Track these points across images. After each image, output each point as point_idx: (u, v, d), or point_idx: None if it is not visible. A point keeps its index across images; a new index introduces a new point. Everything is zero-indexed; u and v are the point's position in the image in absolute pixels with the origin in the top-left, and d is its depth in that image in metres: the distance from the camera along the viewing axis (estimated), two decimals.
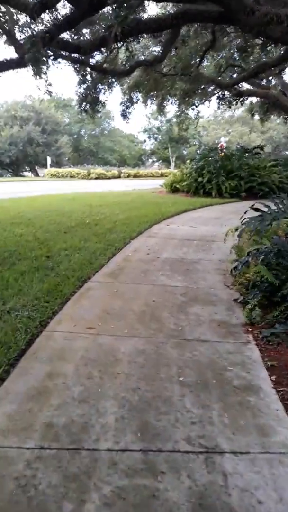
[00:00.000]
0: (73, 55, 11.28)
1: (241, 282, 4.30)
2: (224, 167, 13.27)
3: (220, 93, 20.33)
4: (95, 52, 12.14)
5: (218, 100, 21.06)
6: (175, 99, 18.76)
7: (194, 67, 13.77)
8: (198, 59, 14.00)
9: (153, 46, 16.42)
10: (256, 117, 25.67)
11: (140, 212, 9.16)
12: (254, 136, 50.72)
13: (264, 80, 21.18)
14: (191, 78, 13.72)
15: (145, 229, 7.41)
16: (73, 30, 9.30)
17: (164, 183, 15.39)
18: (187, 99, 18.28)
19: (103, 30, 8.16)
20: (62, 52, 10.73)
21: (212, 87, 17.75)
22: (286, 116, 24.75)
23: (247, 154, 15.21)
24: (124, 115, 15.88)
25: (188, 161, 15.95)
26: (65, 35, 9.42)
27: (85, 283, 4.40)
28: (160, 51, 12.53)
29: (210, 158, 13.90)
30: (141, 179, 35.12)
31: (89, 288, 4.25)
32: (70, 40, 8.90)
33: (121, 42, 8.65)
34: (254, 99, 22.86)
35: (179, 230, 7.46)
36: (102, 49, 9.44)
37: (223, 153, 14.92)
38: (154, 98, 19.97)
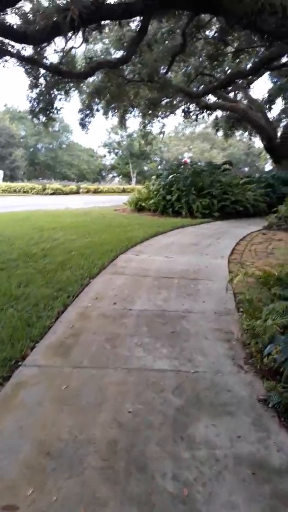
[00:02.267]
0: (22, 52, 9.68)
1: (266, 365, 2.77)
2: (194, 184, 11.95)
3: (185, 106, 19.38)
4: (49, 51, 10.62)
5: (183, 113, 20.10)
6: (139, 110, 17.50)
7: (161, 73, 12.51)
8: (165, 66, 12.76)
9: (115, 51, 15.14)
10: (220, 133, 25.01)
11: (102, 238, 7.53)
12: (215, 153, 50.72)
13: (231, 94, 20.48)
14: (158, 85, 12.41)
15: (110, 262, 5.78)
16: (20, 16, 7.68)
17: (128, 200, 13.86)
18: (151, 111, 17.06)
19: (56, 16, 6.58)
20: (9, 48, 9.15)
21: (178, 99, 16.62)
22: (252, 132, 24.26)
23: (217, 170, 14.01)
24: (83, 125, 14.38)
25: (153, 177, 14.55)
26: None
27: (16, 370, 2.71)
28: (124, 53, 11.15)
29: (178, 174, 12.54)
30: (101, 195, 33.54)
31: (19, 383, 2.56)
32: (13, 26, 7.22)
33: (79, 31, 7.12)
34: (219, 114, 22.18)
35: (152, 263, 5.89)
36: (56, 42, 7.89)
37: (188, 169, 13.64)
38: (116, 110, 18.70)
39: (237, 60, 13.45)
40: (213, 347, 3.19)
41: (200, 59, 13.94)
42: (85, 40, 7.95)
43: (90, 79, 14.01)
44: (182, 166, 13.38)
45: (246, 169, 52.45)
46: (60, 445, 2.00)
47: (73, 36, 8.51)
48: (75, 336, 3.28)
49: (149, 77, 12.49)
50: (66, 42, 8.72)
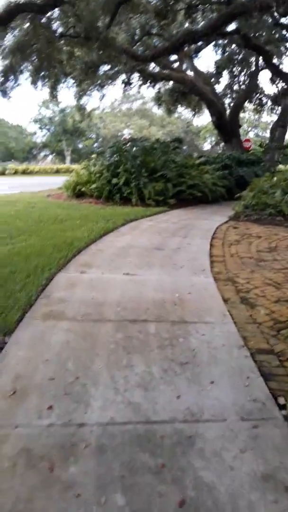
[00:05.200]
0: None
1: None
2: (145, 165, 9.97)
3: (126, 75, 17.17)
4: None
5: (123, 84, 17.90)
6: (74, 78, 14.97)
7: (101, 29, 10.18)
8: (107, 20, 10.42)
9: None
10: (161, 108, 23.03)
11: (29, 243, 5.36)
12: (154, 130, 48.76)
13: (175, 65, 18.51)
14: (98, 43, 10.10)
15: (40, 291, 3.70)
16: None
17: (64, 184, 11.53)
18: (88, 80, 14.64)
19: None
20: None
21: (120, 66, 14.26)
22: (196, 107, 22.65)
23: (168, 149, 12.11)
24: (3, 91, 11.71)
25: (93, 155, 12.36)
26: None
27: None
28: None
29: (125, 153, 10.47)
30: (31, 176, 30.26)
31: None
32: None
33: None
34: (162, 87, 20.22)
35: (108, 288, 3.90)
36: None
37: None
38: (46, 79, 16.03)
39: (190, 19, 11.48)
40: None
41: (147, 15, 11.74)
42: None
43: (11, 36, 11.35)
44: (128, 144, 11.29)
45: (185, 147, 51.13)
46: None
47: None
48: None
49: (86, 33, 10.16)
50: None
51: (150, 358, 2.60)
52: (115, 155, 10.44)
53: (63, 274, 4.23)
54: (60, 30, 11.97)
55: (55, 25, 11.78)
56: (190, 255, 5.20)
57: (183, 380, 2.38)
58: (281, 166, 14.17)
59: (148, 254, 5.18)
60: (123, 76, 17.14)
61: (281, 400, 2.24)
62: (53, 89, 16.43)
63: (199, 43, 14.03)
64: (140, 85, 16.51)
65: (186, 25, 13.71)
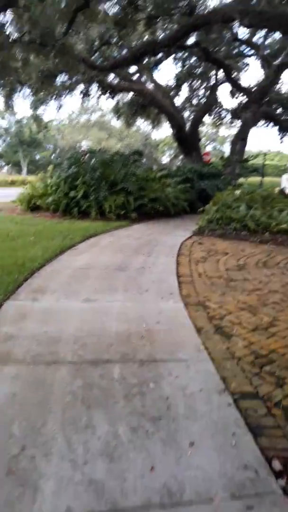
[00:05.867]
0: None
1: None
2: (105, 178, 9.54)
3: (85, 87, 16.81)
4: None
5: (82, 95, 17.51)
6: (30, 86, 14.39)
7: (59, 36, 9.74)
8: (64, 26, 9.99)
9: None
10: (120, 121, 22.84)
11: None
12: (113, 142, 48.51)
13: (135, 77, 18.35)
14: (55, 50, 9.64)
15: None
16: None
17: (18, 198, 10.85)
18: (45, 90, 14.13)
19: None
20: None
21: (77, 76, 13.82)
22: (155, 120, 22.69)
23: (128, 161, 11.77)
24: None
25: (50, 167, 11.79)
26: None
27: None
28: None
29: (84, 164, 10.00)
30: None
31: None
32: None
33: None
34: (122, 99, 20.04)
35: (64, 319, 3.41)
36: None
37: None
38: (0, 88, 15.43)
39: (150, 30, 11.29)
40: None
41: (106, 24, 11.43)
42: None
43: None
44: (87, 155, 10.81)
45: (144, 160, 51.25)
46: None
47: None
48: None
49: (42, 39, 9.68)
50: None
51: (115, 413, 2.15)
52: (73, 167, 9.94)
53: (12, 302, 3.68)
54: (14, 36, 11.45)
55: (8, 30, 11.24)
56: (156, 276, 4.80)
57: (157, 442, 1.94)
58: (242, 179, 14.20)
59: (110, 276, 4.72)
60: (81, 87, 16.79)
61: (276, 464, 1.86)
62: (8, 98, 15.80)
63: (159, 56, 13.90)
64: (99, 96, 16.16)
65: (146, 37, 13.57)
